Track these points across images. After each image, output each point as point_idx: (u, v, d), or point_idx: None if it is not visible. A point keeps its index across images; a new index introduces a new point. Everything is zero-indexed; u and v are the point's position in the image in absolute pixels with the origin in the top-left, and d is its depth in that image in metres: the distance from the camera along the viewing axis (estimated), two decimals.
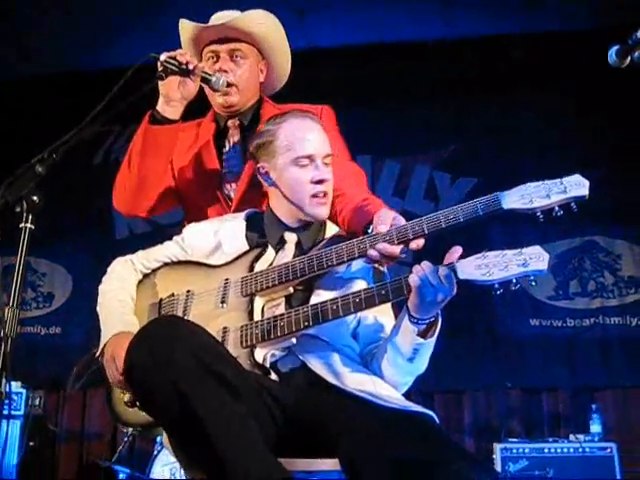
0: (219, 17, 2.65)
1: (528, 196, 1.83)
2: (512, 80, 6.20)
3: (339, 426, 1.75)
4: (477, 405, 5.72)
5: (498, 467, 4.75)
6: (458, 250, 1.84)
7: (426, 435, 1.65)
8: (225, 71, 2.57)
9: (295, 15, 5.79)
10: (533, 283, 1.76)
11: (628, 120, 5.79)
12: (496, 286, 1.77)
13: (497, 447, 4.85)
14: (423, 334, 1.90)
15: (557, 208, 1.82)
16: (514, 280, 1.75)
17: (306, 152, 2.14)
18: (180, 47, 2.62)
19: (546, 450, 4.77)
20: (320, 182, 2.13)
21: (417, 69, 6.45)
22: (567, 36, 5.91)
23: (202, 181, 2.64)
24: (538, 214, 1.84)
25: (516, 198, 1.84)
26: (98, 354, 2.20)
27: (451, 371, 5.67)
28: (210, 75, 2.47)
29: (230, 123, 2.67)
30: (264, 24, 2.65)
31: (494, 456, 4.83)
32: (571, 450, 4.75)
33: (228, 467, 1.58)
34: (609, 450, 4.71)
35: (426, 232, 1.90)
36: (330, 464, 1.79)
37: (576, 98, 5.96)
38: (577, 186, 1.81)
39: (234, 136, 2.67)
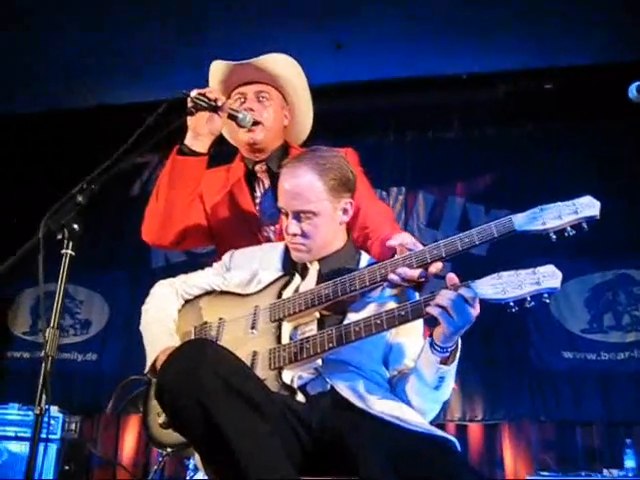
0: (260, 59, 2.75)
1: (541, 218, 1.89)
2: (545, 112, 6.25)
3: (362, 446, 1.78)
4: (510, 437, 5.68)
5: None
6: (454, 277, 1.91)
7: (446, 459, 1.69)
8: (252, 110, 2.67)
9: (332, 49, 5.90)
10: (547, 300, 1.80)
11: None
12: (511, 304, 1.82)
13: None
14: (445, 361, 1.95)
15: (569, 228, 1.88)
16: (528, 298, 1.81)
17: (279, 204, 2.24)
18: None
19: None
20: (290, 235, 2.21)
21: (451, 101, 6.54)
22: (599, 68, 5.95)
23: (238, 222, 2.73)
24: (551, 235, 1.90)
25: (529, 220, 1.90)
26: (147, 371, 2.26)
27: (485, 403, 5.66)
28: (237, 112, 2.59)
29: (258, 167, 2.77)
30: (289, 69, 2.77)
31: None
32: None
33: None
34: None
35: (444, 255, 1.97)
36: None
37: (609, 129, 6.00)
38: (588, 207, 1.87)
39: (264, 180, 2.77)
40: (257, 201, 2.75)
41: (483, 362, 5.67)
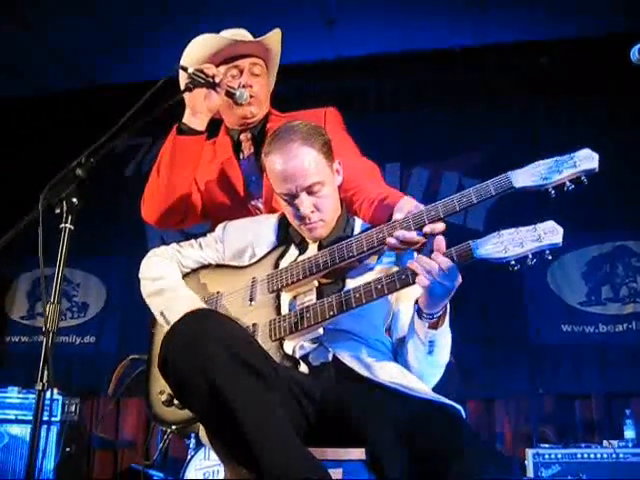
0: (234, 33, 2.74)
1: (539, 173, 1.85)
2: (540, 85, 6.21)
3: (366, 415, 1.78)
4: (509, 411, 5.70)
5: (530, 473, 4.72)
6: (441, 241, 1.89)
7: (451, 426, 1.67)
8: (250, 86, 2.66)
9: (325, 25, 5.86)
10: (549, 257, 1.78)
11: None
12: (512, 262, 1.80)
13: (529, 452, 4.80)
14: (434, 325, 1.95)
15: (568, 183, 1.83)
16: (530, 255, 1.79)
17: (280, 190, 2.16)
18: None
19: (579, 456, 4.70)
20: (302, 218, 2.15)
21: (445, 76, 6.51)
22: (593, 41, 5.93)
23: (231, 198, 2.71)
24: (550, 190, 1.85)
25: (527, 176, 1.86)
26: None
27: (483, 378, 5.66)
28: (234, 89, 2.57)
29: (243, 137, 2.76)
30: (278, 42, 2.77)
31: (526, 462, 4.80)
32: (604, 456, 4.67)
33: (260, 456, 1.61)
34: None
35: (442, 215, 1.94)
36: (358, 454, 1.82)
37: (604, 101, 5.97)
38: (587, 159, 1.82)
39: (247, 149, 2.75)
40: (241, 168, 2.73)
41: (480, 337, 5.66)
